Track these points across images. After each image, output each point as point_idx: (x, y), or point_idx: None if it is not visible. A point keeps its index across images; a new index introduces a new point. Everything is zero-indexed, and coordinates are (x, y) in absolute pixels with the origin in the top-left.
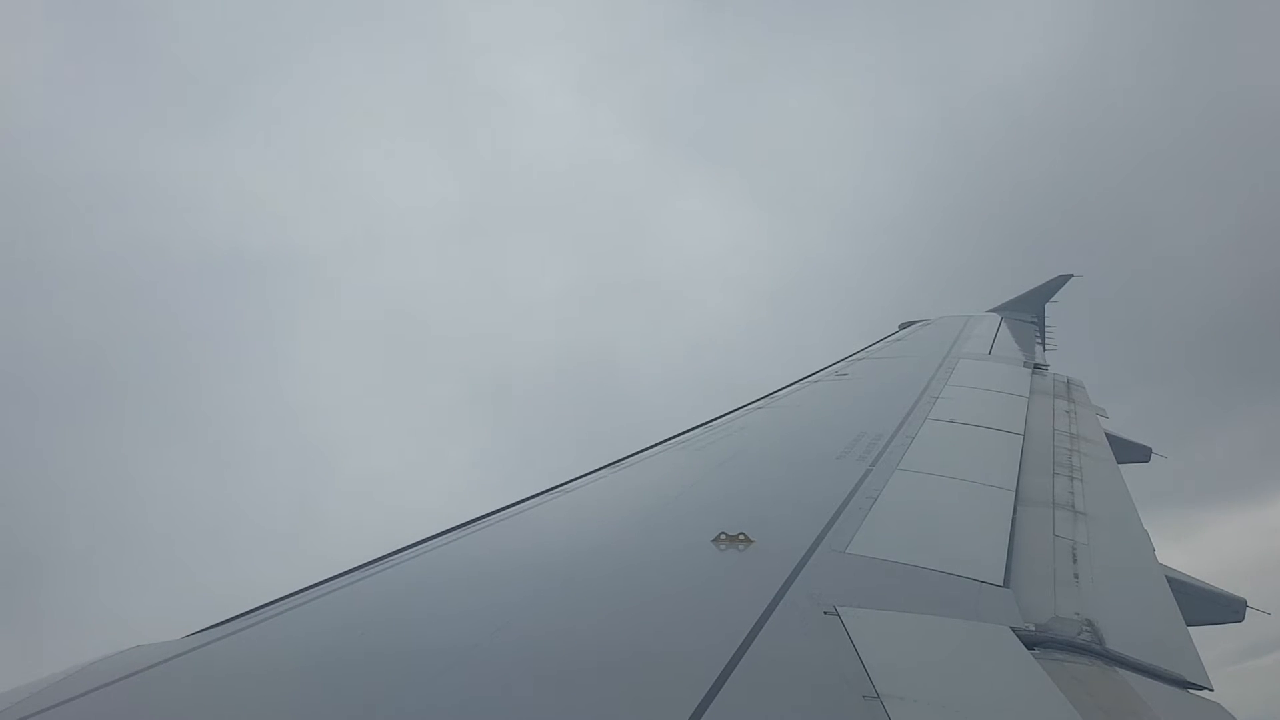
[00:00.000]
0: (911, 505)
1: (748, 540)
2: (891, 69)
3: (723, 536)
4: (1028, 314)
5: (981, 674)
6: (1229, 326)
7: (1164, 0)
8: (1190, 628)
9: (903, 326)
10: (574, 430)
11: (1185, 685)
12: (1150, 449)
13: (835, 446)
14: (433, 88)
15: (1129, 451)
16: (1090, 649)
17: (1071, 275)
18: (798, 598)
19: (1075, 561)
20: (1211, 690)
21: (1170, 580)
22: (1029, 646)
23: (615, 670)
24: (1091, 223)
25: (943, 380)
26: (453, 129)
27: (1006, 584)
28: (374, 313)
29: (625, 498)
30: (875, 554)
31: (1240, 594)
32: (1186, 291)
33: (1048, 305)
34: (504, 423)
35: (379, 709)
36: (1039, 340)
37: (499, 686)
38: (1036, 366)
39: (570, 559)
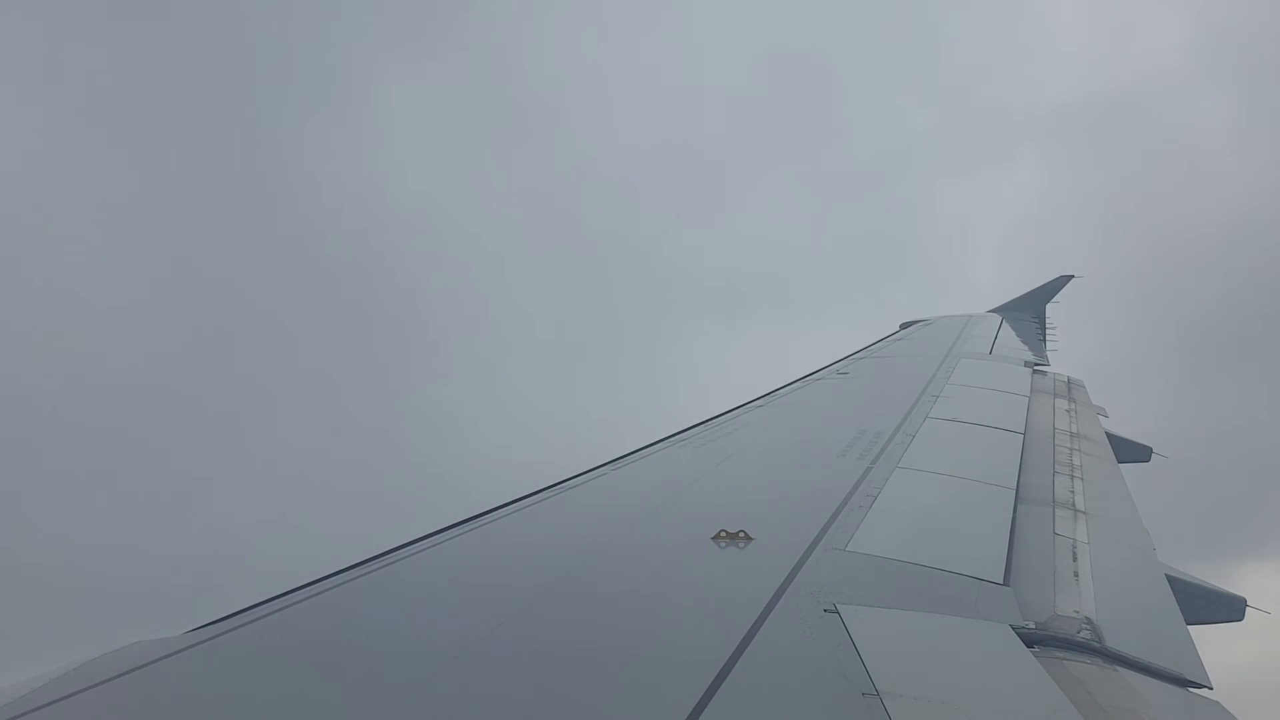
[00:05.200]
0: (912, 503)
1: (748, 537)
2: None
3: (723, 534)
4: (1028, 314)
5: (981, 672)
6: None
7: None
8: (1190, 626)
9: (904, 326)
10: None
11: (1185, 684)
12: (1151, 448)
13: (836, 444)
14: None
15: (1129, 451)
16: (1090, 647)
17: (1073, 276)
18: (797, 595)
19: (1075, 560)
20: (1211, 689)
21: (1170, 579)
22: (1029, 644)
23: (615, 667)
24: None
25: (943, 379)
26: None
27: (1006, 582)
28: None
29: (625, 495)
30: (875, 552)
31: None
32: None
33: (1048, 306)
34: None
35: (378, 705)
36: (1040, 339)
37: (499, 683)
38: (1037, 366)
39: (570, 556)
